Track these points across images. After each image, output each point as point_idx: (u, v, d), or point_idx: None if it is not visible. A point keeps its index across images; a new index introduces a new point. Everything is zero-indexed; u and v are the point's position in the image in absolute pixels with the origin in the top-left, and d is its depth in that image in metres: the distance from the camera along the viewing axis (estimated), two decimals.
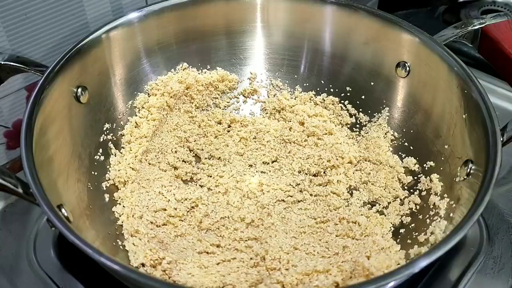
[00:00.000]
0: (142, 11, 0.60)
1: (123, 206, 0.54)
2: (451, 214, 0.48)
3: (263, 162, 0.62)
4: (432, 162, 0.56)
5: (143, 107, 0.61)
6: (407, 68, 0.60)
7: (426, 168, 0.56)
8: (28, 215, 0.56)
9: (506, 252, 0.54)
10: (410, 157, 0.59)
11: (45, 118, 0.48)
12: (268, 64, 0.68)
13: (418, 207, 0.54)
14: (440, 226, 0.48)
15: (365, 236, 0.52)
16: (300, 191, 0.59)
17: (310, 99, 0.66)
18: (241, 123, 0.65)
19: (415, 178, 0.57)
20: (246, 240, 0.52)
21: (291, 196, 0.58)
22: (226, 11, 0.65)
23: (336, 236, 0.52)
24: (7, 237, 0.55)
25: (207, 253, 0.50)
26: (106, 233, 0.50)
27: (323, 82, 0.66)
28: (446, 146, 0.54)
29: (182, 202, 0.55)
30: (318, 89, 0.67)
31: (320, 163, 0.60)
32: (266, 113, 0.67)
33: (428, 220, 0.51)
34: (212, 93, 0.66)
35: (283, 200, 0.58)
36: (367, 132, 0.63)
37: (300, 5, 0.64)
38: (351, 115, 0.65)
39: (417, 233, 0.50)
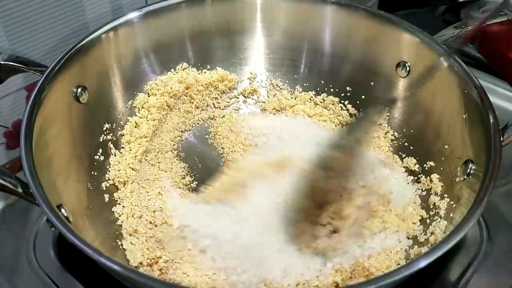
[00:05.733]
0: (141, 11, 0.60)
1: (123, 206, 0.54)
2: (451, 214, 0.48)
3: None
4: (432, 162, 0.56)
5: (143, 107, 0.61)
6: (407, 68, 0.60)
7: (426, 168, 0.56)
8: (27, 215, 0.56)
9: (506, 252, 0.54)
10: (410, 157, 0.59)
11: (45, 118, 0.48)
12: (268, 64, 0.68)
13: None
14: (440, 226, 0.48)
15: None
16: None
17: (310, 99, 0.66)
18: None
19: (415, 178, 0.57)
20: None
21: None
22: (226, 11, 0.65)
23: None
24: (7, 237, 0.55)
25: (204, 253, 0.50)
26: (105, 233, 0.51)
27: (323, 82, 0.66)
28: (446, 146, 0.54)
29: None
30: (318, 89, 0.67)
31: None
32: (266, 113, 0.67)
33: (428, 220, 0.51)
34: (212, 93, 0.66)
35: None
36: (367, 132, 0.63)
37: (300, 5, 0.64)
38: (351, 115, 0.65)
39: None
